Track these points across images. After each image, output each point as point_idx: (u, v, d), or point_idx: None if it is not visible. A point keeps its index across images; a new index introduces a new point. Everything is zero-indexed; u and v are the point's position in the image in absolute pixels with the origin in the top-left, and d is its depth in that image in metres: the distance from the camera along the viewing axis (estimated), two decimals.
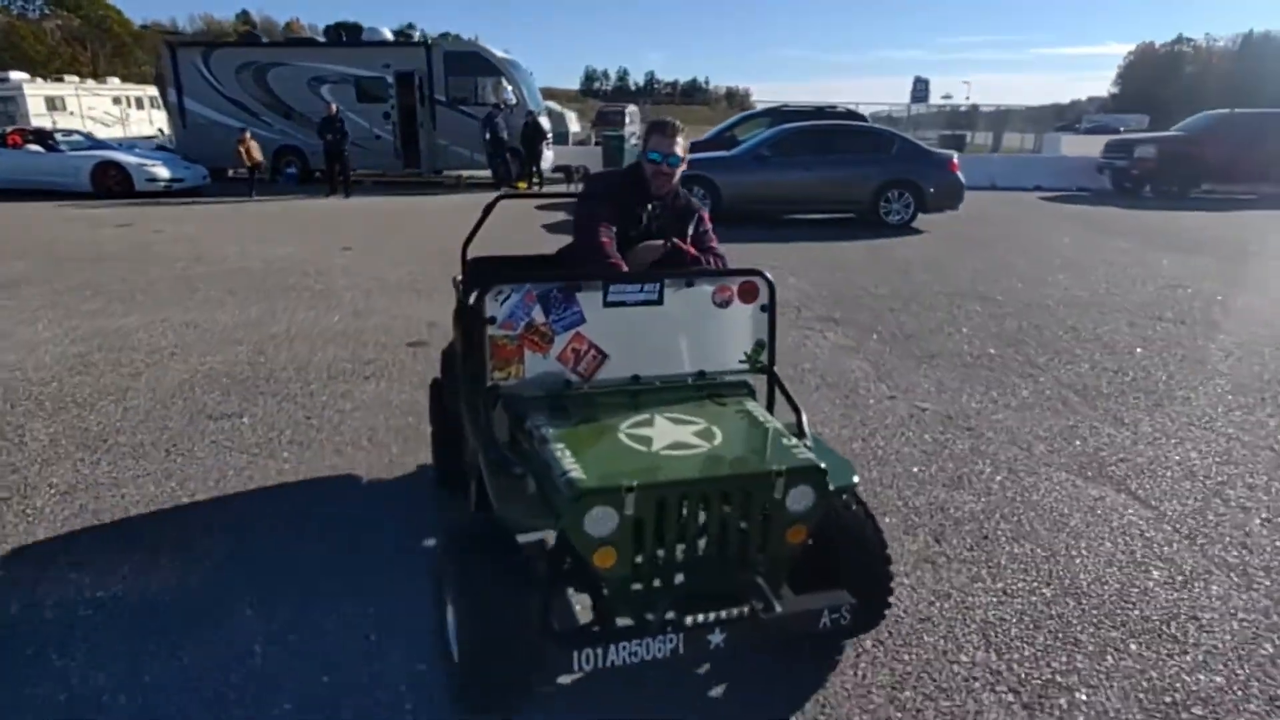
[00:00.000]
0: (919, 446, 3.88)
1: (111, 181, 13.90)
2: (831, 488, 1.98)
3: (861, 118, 14.90)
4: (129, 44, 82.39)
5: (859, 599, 2.14)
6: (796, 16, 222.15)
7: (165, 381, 4.59)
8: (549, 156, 17.24)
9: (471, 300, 2.28)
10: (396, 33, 21.41)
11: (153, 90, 41.79)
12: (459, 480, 2.86)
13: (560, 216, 11.83)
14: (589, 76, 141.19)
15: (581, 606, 2.40)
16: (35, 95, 30.81)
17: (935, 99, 40.57)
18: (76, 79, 39.82)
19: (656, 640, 1.90)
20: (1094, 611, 2.63)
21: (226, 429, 3.93)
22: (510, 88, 16.84)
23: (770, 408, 2.38)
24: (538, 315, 2.26)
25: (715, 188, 10.85)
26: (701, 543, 1.94)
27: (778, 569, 2.02)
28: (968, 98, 55.44)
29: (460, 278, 3.13)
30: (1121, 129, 36.06)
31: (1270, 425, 4.21)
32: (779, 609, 1.95)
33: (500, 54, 17.64)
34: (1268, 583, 2.80)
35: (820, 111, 15.33)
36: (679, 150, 2.70)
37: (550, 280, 2.29)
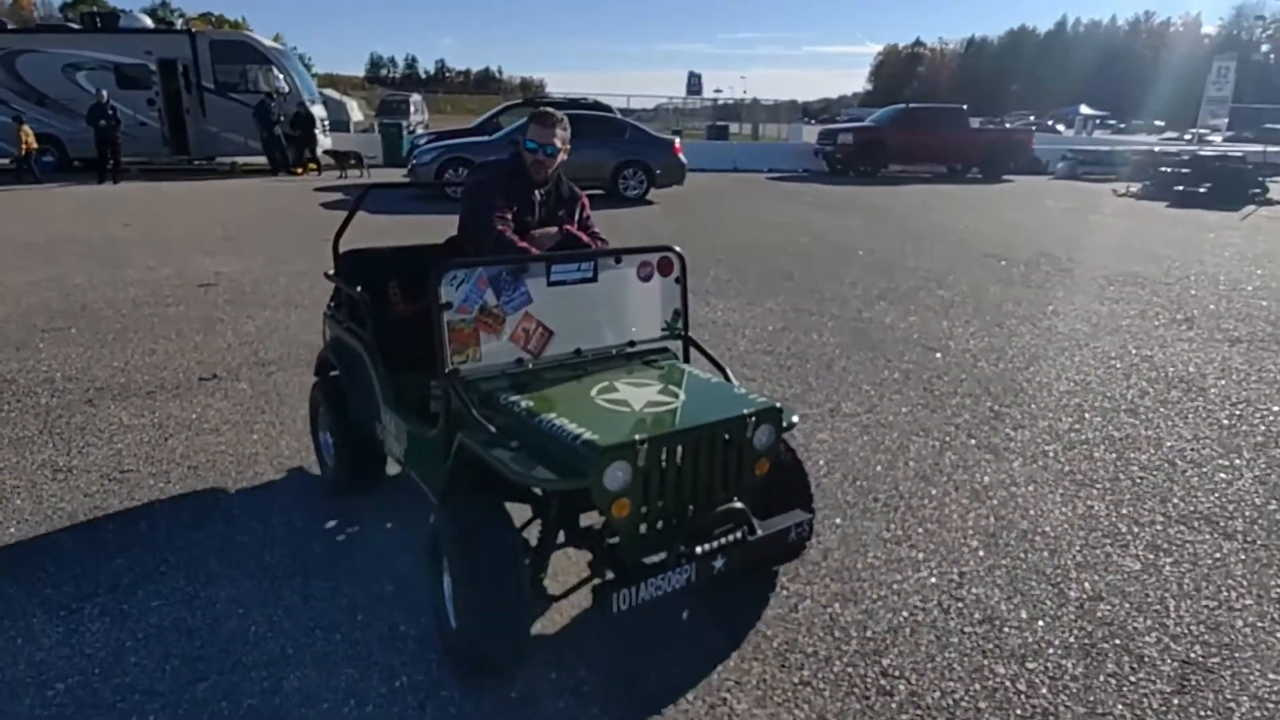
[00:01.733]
0: None
1: None
2: (785, 425, 2.23)
3: (607, 108, 17.09)
4: None
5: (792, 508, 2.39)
6: (589, 8, 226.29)
7: (2, 314, 5.64)
8: (325, 143, 18.04)
9: (431, 289, 2.30)
10: (156, 19, 20.99)
11: None
12: (367, 479, 3.10)
13: (337, 197, 13.04)
14: (375, 63, 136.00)
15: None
16: None
17: (709, 92, 44.21)
18: None
19: (675, 572, 2.06)
20: None
21: (59, 336, 5.17)
22: (281, 76, 17.47)
23: (716, 362, 2.65)
24: (490, 298, 2.36)
25: (472, 164, 12.56)
26: (694, 483, 2.11)
27: (750, 499, 2.24)
28: (745, 91, 60.18)
29: (332, 272, 3.22)
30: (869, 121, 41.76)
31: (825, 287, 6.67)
32: (760, 532, 2.21)
33: (269, 43, 18.18)
34: None
35: (573, 103, 17.41)
36: (557, 141, 2.79)
37: (493, 264, 2.41)
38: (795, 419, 2.31)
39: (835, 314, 6.25)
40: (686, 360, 2.65)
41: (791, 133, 33.40)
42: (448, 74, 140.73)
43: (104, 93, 14.98)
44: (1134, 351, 5.44)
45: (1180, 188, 15.59)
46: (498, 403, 2.26)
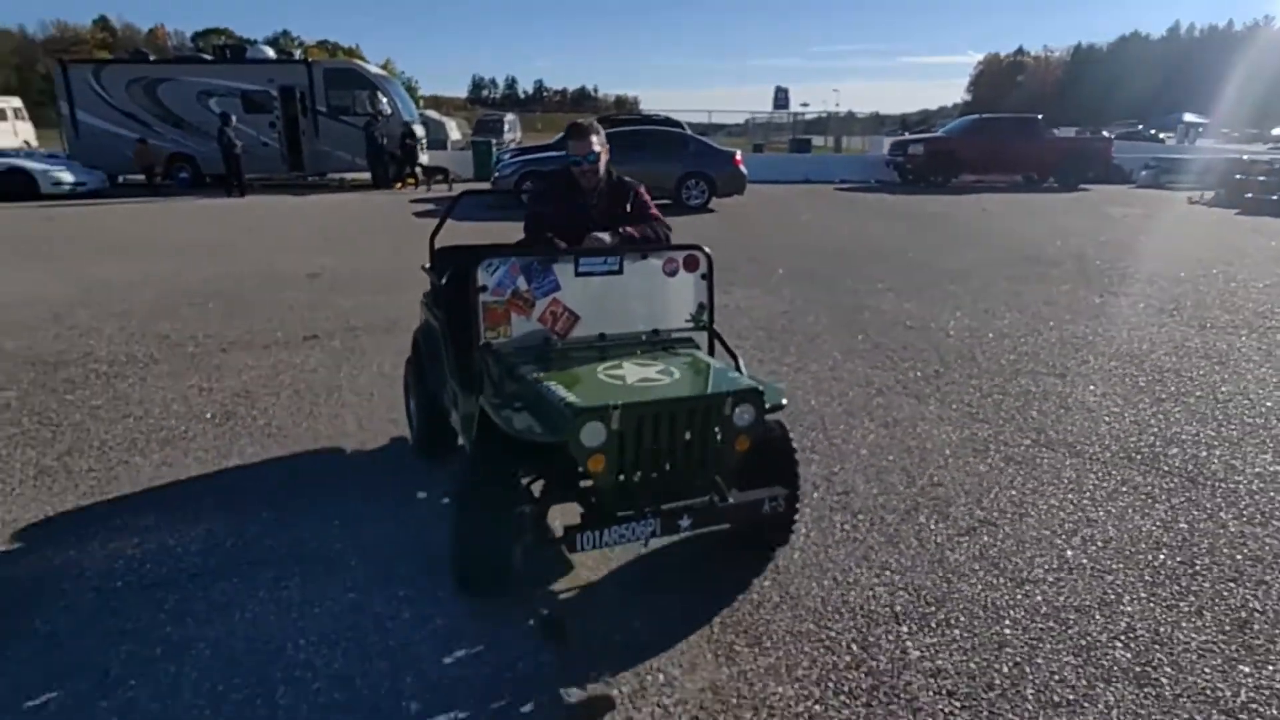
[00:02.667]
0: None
1: (17, 187, 15.58)
2: (767, 406, 2.44)
3: (676, 124, 18.17)
4: None
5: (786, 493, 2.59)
6: (683, 27, 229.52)
7: (155, 294, 7.13)
8: (424, 160, 19.83)
9: (471, 275, 2.68)
10: (278, 49, 23.45)
11: (16, 101, 41.55)
12: (440, 446, 3.53)
13: (428, 207, 14.57)
14: (476, 85, 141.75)
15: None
16: None
17: (796, 106, 44.77)
18: None
19: (640, 523, 2.30)
20: None
21: (198, 309, 6.59)
22: (385, 100, 19.36)
23: (730, 352, 2.85)
24: (521, 284, 2.71)
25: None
26: (671, 451, 2.34)
27: (729, 471, 2.46)
28: (837, 105, 60.47)
29: (429, 265, 3.68)
30: None
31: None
32: (731, 499, 2.45)
33: (375, 70, 20.16)
34: None
35: (645, 120, 18.58)
36: (594, 147, 3.04)
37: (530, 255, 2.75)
38: (783, 400, 2.56)
39: (839, 303, 7.07)
40: (711, 351, 2.88)
41: (872, 145, 33.71)
42: (545, 93, 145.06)
43: (232, 116, 17.11)
44: (1100, 332, 6.06)
45: (1250, 195, 15.39)
46: (517, 373, 2.60)
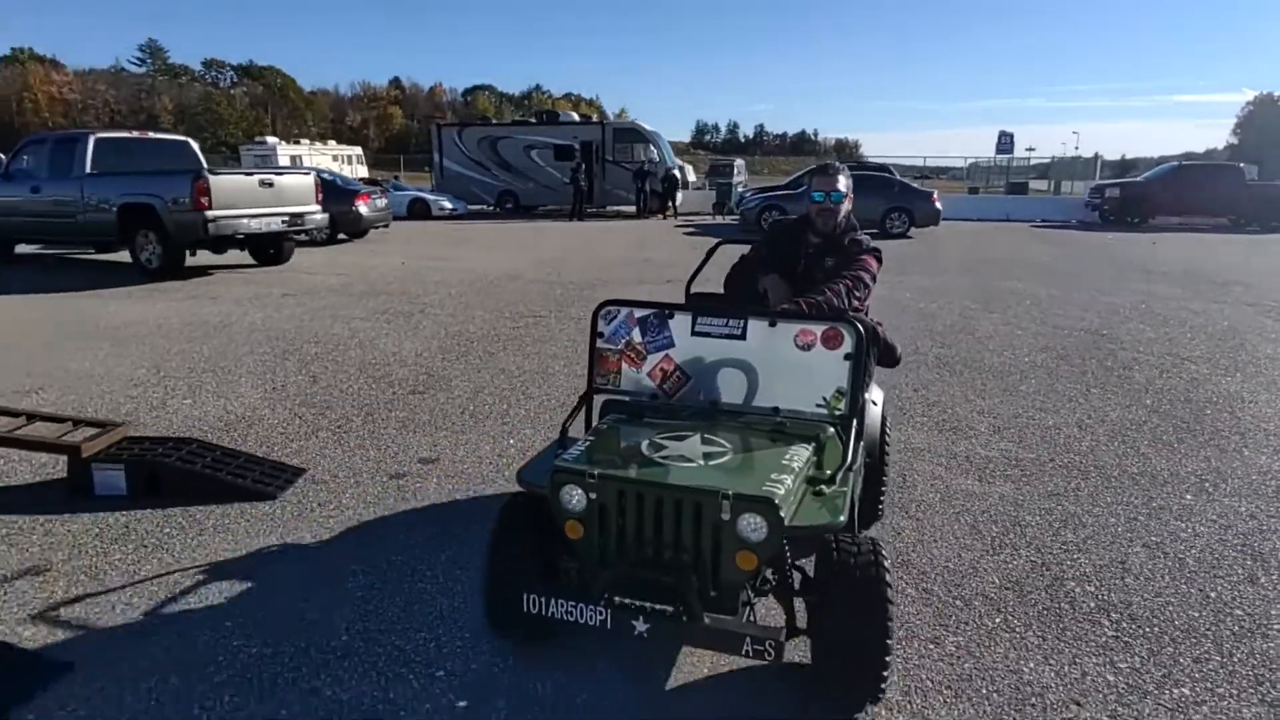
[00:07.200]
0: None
1: (418, 210, 22.97)
2: (787, 522, 2.03)
3: (886, 169, 22.28)
4: (300, 108, 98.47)
5: (841, 660, 2.15)
6: (907, 68, 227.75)
7: (508, 271, 12.60)
8: (680, 198, 25.47)
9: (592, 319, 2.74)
10: (581, 112, 30.44)
11: (356, 150, 53.85)
12: None
13: (691, 229, 19.89)
14: (700, 130, 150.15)
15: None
16: (283, 154, 42.01)
17: (1021, 150, 46.38)
18: (307, 141, 52.00)
19: (590, 608, 2.09)
20: None
21: (537, 285, 11.95)
22: (655, 150, 25.25)
23: (846, 454, 2.38)
24: (636, 335, 2.69)
25: (784, 210, 18.63)
26: (659, 545, 2.12)
27: (728, 589, 2.13)
28: (1076, 147, 60.18)
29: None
30: None
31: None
32: (705, 621, 2.07)
33: (649, 128, 26.15)
34: None
35: (860, 166, 22.87)
36: (841, 187, 3.05)
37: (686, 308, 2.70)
38: (840, 519, 2.13)
39: (977, 284, 11.04)
40: (846, 449, 2.41)
41: (1088, 189, 35.27)
42: (765, 137, 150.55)
43: (577, 161, 23.63)
44: (1141, 303, 9.64)
45: None
46: (598, 423, 2.64)
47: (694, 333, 2.66)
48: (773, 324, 2.61)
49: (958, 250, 15.61)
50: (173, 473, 3.60)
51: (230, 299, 9.13)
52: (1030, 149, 55.46)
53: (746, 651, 2.04)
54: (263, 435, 4.56)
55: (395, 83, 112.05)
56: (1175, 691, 2.42)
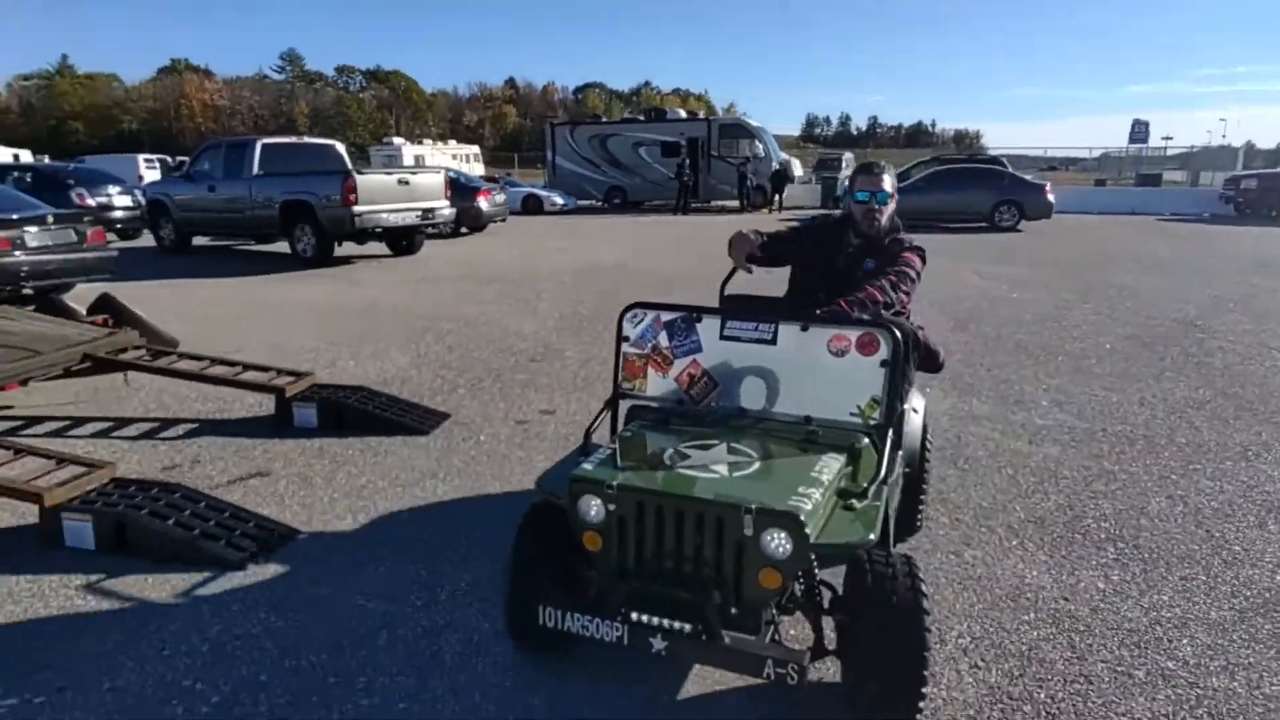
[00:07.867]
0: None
1: (531, 205, 24.29)
2: (814, 538, 1.97)
3: (999, 161, 21.84)
4: (422, 109, 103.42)
5: (874, 685, 2.08)
6: (1034, 55, 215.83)
7: (614, 262, 13.36)
8: (786, 193, 25.78)
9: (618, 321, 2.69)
10: (688, 109, 31.22)
11: (474, 149, 56.55)
12: None
13: (794, 222, 20.29)
14: (810, 123, 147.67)
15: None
16: (408, 153, 44.54)
17: (1157, 140, 43.84)
18: (429, 141, 55.05)
19: (606, 624, 2.05)
20: None
21: (639, 275, 12.64)
22: (760, 145, 25.63)
23: (880, 466, 2.31)
24: (663, 339, 2.62)
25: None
26: (680, 559, 2.07)
27: (750, 607, 2.07)
28: (1224, 135, 56.37)
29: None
30: None
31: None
32: (725, 640, 2.01)
33: (754, 123, 26.56)
34: None
35: (971, 158, 22.53)
36: (886, 186, 2.97)
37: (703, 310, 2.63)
38: (870, 537, 2.04)
39: (1075, 274, 11.07)
40: (881, 459, 2.32)
41: (1224, 180, 33.09)
42: (879, 129, 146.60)
43: (685, 160, 24.41)
44: (1249, 296, 9.50)
45: None
46: (623, 429, 2.61)
47: (723, 336, 2.59)
48: (805, 328, 2.52)
49: (1068, 244, 15.39)
50: (352, 411, 4.62)
51: (373, 284, 10.39)
52: (1167, 138, 52.23)
53: (768, 675, 1.98)
54: (414, 389, 5.53)
55: (510, 82, 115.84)
56: (1155, 597, 2.93)
